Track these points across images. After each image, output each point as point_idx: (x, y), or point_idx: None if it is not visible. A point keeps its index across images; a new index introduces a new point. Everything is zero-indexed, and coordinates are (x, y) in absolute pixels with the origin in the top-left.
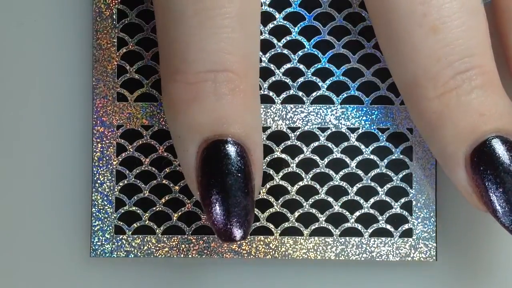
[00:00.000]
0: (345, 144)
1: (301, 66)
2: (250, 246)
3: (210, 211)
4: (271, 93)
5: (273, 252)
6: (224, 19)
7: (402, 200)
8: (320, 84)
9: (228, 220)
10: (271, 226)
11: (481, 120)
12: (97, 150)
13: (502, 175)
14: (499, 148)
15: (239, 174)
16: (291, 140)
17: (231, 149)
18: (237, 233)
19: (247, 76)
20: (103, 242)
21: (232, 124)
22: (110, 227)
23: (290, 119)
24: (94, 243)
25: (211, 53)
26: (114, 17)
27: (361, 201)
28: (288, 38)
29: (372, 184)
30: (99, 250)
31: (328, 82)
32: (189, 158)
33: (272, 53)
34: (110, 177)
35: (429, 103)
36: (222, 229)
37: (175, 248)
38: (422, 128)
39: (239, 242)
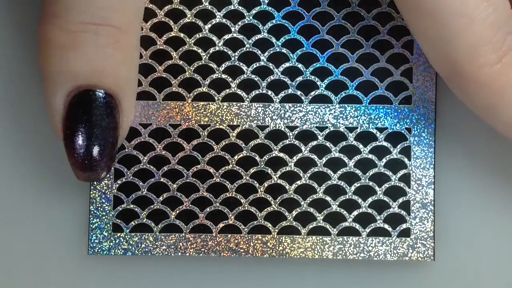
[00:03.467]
0: (343, 143)
1: (300, 65)
2: (247, 245)
3: (72, 148)
4: (269, 92)
5: (271, 251)
6: None
7: (400, 200)
8: (318, 83)
9: (89, 152)
10: (268, 225)
11: None
12: None
13: None
14: None
15: (105, 121)
16: (289, 139)
17: (100, 98)
18: (98, 165)
19: (129, 31)
20: (101, 240)
21: (107, 76)
22: (108, 225)
23: (289, 118)
24: (92, 241)
25: (99, 9)
26: None
27: (359, 200)
28: (287, 37)
29: (370, 183)
30: (97, 248)
31: (326, 81)
32: (57, 102)
33: (271, 52)
34: (108, 175)
35: (491, 68)
36: (81, 160)
37: (172, 246)
38: (481, 100)
39: (99, 179)
